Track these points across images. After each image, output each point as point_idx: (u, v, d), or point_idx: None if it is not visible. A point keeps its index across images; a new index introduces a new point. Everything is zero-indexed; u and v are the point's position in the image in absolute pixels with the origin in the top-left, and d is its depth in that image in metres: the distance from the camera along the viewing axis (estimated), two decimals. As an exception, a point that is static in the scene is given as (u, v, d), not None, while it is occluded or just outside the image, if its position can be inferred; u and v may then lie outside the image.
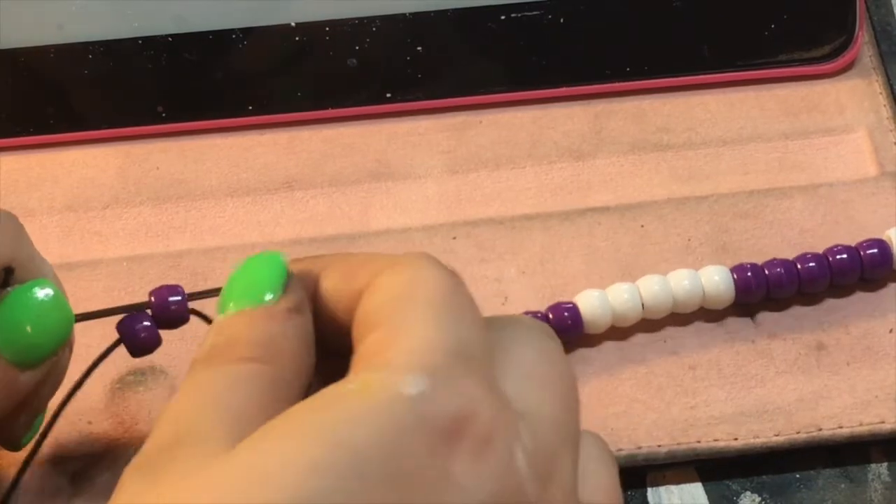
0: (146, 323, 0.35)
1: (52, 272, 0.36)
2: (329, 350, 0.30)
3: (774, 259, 0.43)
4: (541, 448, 0.27)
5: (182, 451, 0.26)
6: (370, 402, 0.25)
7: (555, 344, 0.30)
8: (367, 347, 0.27)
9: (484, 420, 0.25)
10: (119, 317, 0.35)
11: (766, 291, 0.42)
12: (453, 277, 0.28)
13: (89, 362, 0.36)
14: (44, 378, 0.34)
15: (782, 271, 0.42)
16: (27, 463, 0.35)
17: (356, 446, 0.24)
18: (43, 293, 0.33)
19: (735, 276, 0.42)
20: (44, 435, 0.35)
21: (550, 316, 0.41)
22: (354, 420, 0.25)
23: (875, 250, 0.43)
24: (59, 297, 0.34)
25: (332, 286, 0.30)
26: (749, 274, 0.42)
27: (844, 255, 0.42)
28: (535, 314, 0.42)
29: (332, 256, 0.31)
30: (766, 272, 0.42)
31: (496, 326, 0.29)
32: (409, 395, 0.25)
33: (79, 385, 0.35)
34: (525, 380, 0.28)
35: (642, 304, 0.42)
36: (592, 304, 0.41)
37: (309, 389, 0.29)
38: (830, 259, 0.42)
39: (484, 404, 0.26)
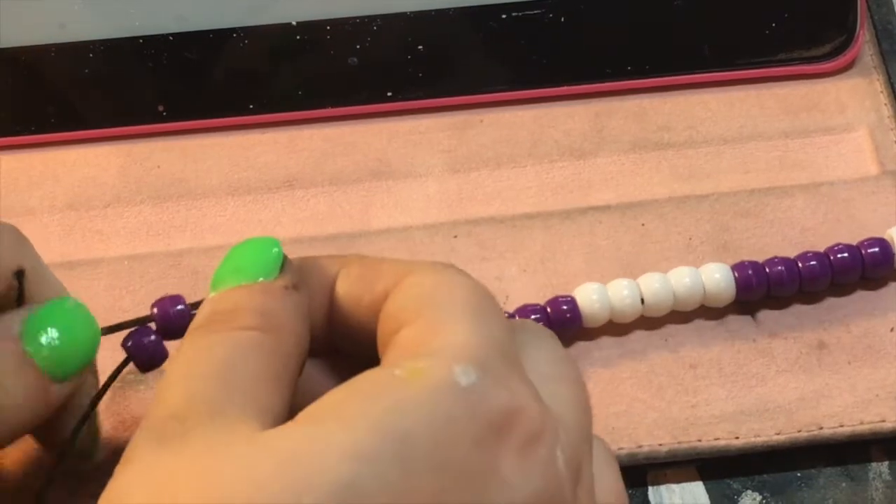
0: (152, 337, 0.34)
1: (60, 285, 0.36)
2: (339, 348, 0.30)
3: (775, 257, 0.43)
4: (572, 448, 0.27)
5: (198, 420, 0.25)
6: (421, 389, 0.25)
7: (562, 347, 0.30)
8: (404, 339, 0.27)
9: (532, 416, 0.25)
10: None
11: (767, 289, 0.42)
12: (481, 285, 0.29)
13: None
14: (73, 393, 0.34)
15: (783, 269, 0.42)
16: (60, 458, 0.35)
17: (403, 434, 0.24)
18: (74, 305, 0.33)
19: (736, 273, 0.42)
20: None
21: (549, 309, 0.41)
22: (403, 407, 0.24)
23: (876, 249, 0.43)
24: (88, 311, 0.34)
25: (352, 283, 0.30)
26: (750, 272, 0.42)
27: (846, 254, 0.42)
28: (533, 307, 0.42)
29: (348, 256, 0.31)
30: (767, 270, 0.42)
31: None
32: (462, 384, 0.25)
33: (94, 404, 0.35)
34: (549, 380, 0.28)
35: (642, 300, 0.42)
36: (590, 297, 0.41)
37: (315, 381, 0.29)
38: (832, 258, 0.42)
39: (531, 400, 0.26)
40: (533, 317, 0.41)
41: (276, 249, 0.30)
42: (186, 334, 0.29)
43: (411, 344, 0.27)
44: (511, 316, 0.41)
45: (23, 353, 0.32)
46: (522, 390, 0.26)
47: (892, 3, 0.50)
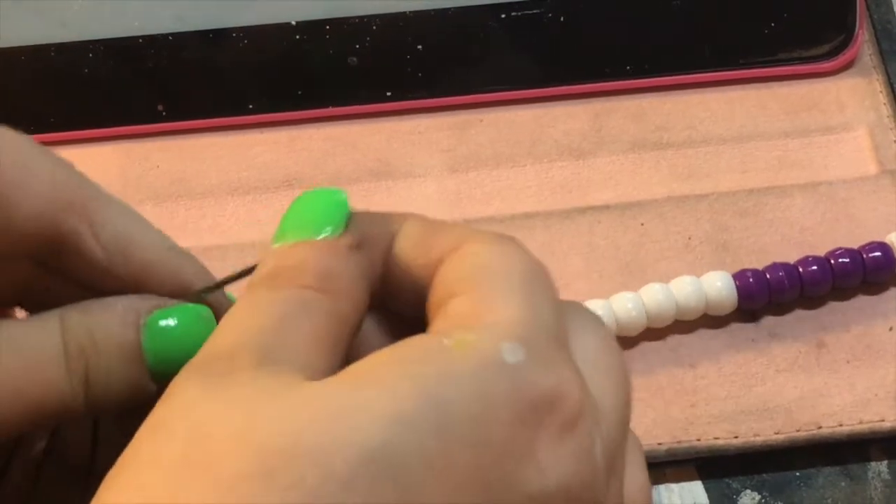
0: None
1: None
2: (389, 305, 0.30)
3: (776, 263, 0.42)
4: (609, 439, 0.26)
5: (247, 363, 0.25)
6: (467, 361, 0.24)
7: (611, 335, 0.29)
8: (456, 308, 0.27)
9: (573, 402, 0.25)
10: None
11: (769, 297, 0.42)
12: (538, 262, 0.28)
13: None
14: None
15: (784, 276, 0.42)
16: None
17: (445, 403, 0.24)
18: (208, 317, 0.31)
19: (738, 283, 0.42)
20: None
21: None
22: (448, 377, 0.24)
23: (878, 253, 0.43)
24: (214, 324, 0.31)
25: (411, 243, 0.29)
26: (751, 280, 0.42)
27: (847, 259, 0.42)
28: None
29: (408, 214, 0.30)
30: (768, 276, 0.42)
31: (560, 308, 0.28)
32: (508, 362, 0.24)
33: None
34: (593, 368, 0.27)
35: (646, 314, 0.41)
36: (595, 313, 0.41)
37: (362, 336, 0.28)
38: (832, 262, 0.42)
39: (574, 386, 0.25)
40: None
41: (343, 203, 0.29)
42: (248, 286, 0.28)
43: (462, 314, 0.26)
44: None
45: (139, 345, 0.30)
46: (567, 375, 0.25)
47: (891, 3, 0.50)
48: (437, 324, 0.27)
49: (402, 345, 0.25)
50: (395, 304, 0.30)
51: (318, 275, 0.27)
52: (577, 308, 0.29)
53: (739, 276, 0.42)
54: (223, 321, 0.27)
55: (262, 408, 0.24)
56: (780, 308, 0.43)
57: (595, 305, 0.41)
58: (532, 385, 0.25)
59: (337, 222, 0.29)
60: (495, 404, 0.24)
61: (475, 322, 0.26)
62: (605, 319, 0.41)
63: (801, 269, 0.42)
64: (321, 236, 0.28)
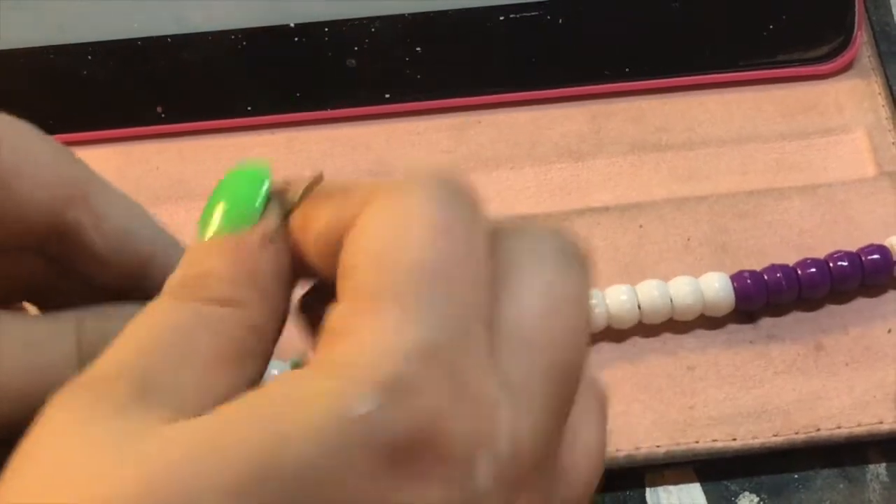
0: None
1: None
2: (310, 273, 0.27)
3: (774, 265, 0.42)
4: (525, 445, 0.23)
5: (124, 391, 0.23)
6: (314, 419, 0.22)
7: (573, 263, 0.25)
8: (332, 326, 0.24)
9: (443, 437, 0.22)
10: None
11: (767, 299, 0.42)
12: (454, 208, 0.24)
13: None
14: None
15: (782, 277, 0.42)
16: None
17: (288, 470, 0.21)
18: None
19: (735, 284, 0.42)
20: None
21: None
22: (292, 438, 0.22)
23: (876, 256, 0.42)
24: None
25: (325, 216, 0.25)
26: (749, 281, 0.42)
27: (845, 262, 0.42)
28: None
29: (327, 183, 0.26)
30: (766, 278, 0.42)
31: (503, 244, 0.25)
32: (360, 415, 0.22)
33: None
34: (524, 341, 0.24)
35: (639, 306, 0.42)
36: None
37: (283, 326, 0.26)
38: (831, 265, 0.42)
39: (446, 417, 0.22)
40: None
41: (259, 184, 0.26)
42: (161, 292, 0.26)
43: (332, 342, 0.23)
44: None
45: None
46: (440, 404, 0.22)
47: (889, 5, 0.50)
48: (319, 347, 0.24)
49: (263, 390, 0.23)
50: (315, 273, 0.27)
51: (223, 283, 0.25)
52: (525, 234, 0.25)
53: (737, 278, 0.42)
54: (122, 332, 0.25)
55: (116, 455, 0.22)
56: (779, 310, 0.43)
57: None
58: (386, 432, 0.22)
59: (252, 214, 0.26)
60: (344, 463, 0.22)
61: (338, 357, 0.23)
62: (597, 311, 0.41)
63: (799, 272, 0.42)
64: (233, 232, 0.26)
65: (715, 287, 0.42)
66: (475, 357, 0.23)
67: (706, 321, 0.42)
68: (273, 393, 0.23)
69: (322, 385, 0.22)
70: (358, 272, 0.23)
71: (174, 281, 0.26)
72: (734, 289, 0.42)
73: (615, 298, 0.42)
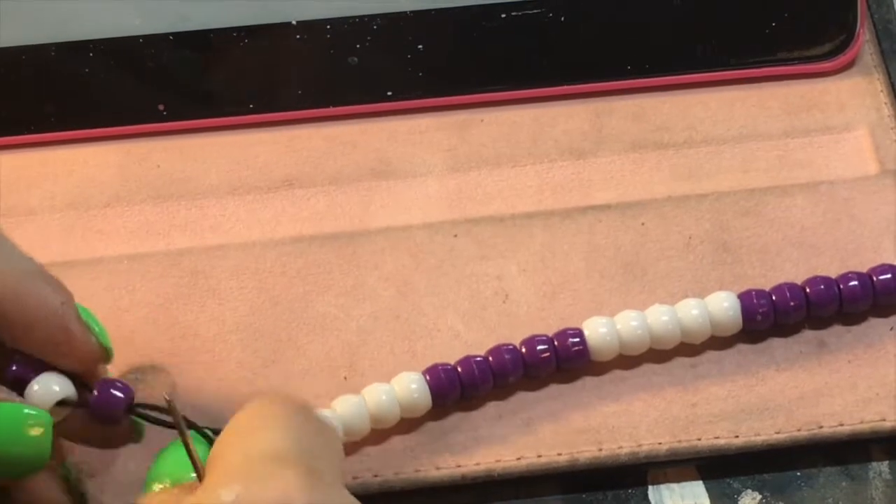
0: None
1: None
2: None
3: (784, 284, 0.42)
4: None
5: None
6: None
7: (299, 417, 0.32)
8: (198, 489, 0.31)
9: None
10: None
11: (774, 320, 0.42)
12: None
13: None
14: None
15: (791, 298, 0.41)
16: None
17: None
18: (31, 418, 0.35)
19: (744, 308, 0.41)
20: None
21: (556, 343, 0.41)
22: None
23: (888, 276, 0.42)
24: (42, 430, 0.35)
25: None
26: (757, 304, 0.41)
27: (856, 283, 0.42)
28: (539, 338, 0.41)
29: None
30: (774, 298, 0.41)
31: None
32: (227, 502, 0.28)
33: None
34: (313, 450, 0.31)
35: (650, 335, 0.41)
36: (600, 332, 0.41)
37: None
38: (841, 286, 0.42)
39: (301, 493, 0.29)
40: (540, 348, 0.41)
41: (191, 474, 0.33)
42: None
43: (197, 489, 0.31)
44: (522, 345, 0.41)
45: None
46: (293, 483, 0.29)
47: (891, 3, 0.50)
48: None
49: None
50: None
51: None
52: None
53: (745, 301, 0.41)
54: None
55: None
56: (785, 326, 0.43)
57: (598, 323, 0.41)
58: None
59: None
60: None
61: (198, 490, 0.30)
62: (609, 339, 0.41)
63: (807, 289, 0.42)
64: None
65: (724, 306, 0.41)
66: (315, 460, 0.31)
67: (715, 342, 0.42)
68: None
69: (194, 500, 0.30)
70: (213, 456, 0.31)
71: None
72: (742, 309, 0.41)
73: (626, 325, 0.41)
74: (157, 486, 0.34)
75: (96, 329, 0.37)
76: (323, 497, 0.29)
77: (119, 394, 0.37)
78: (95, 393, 0.37)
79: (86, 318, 0.37)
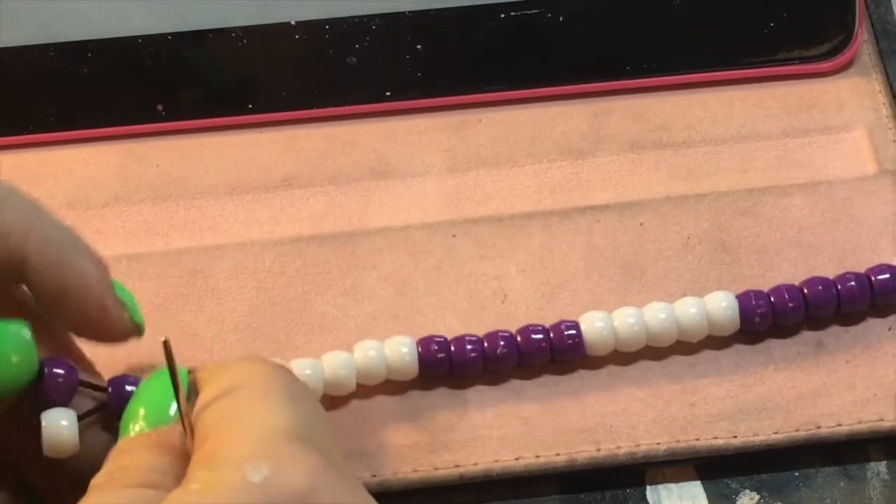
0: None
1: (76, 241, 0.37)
2: None
3: (781, 285, 0.42)
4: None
5: None
6: (218, 495, 0.27)
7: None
8: (207, 449, 0.29)
9: (326, 492, 0.28)
10: None
11: (773, 321, 0.42)
12: (282, 367, 0.32)
13: None
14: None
15: (789, 300, 0.41)
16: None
17: None
18: (16, 332, 0.35)
19: (742, 307, 0.41)
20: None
21: (551, 334, 0.41)
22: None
23: (887, 276, 0.42)
24: (27, 342, 0.35)
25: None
26: (754, 303, 0.41)
27: (854, 284, 0.42)
28: (535, 328, 0.41)
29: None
30: (772, 299, 0.41)
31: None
32: (255, 482, 0.28)
33: None
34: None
35: (647, 332, 0.41)
36: (596, 325, 0.41)
37: None
38: (839, 287, 0.42)
39: (324, 477, 0.29)
40: (535, 336, 0.41)
41: (175, 398, 0.32)
42: (90, 487, 0.31)
43: (210, 454, 0.29)
44: (517, 333, 0.41)
45: None
46: (318, 467, 0.29)
47: (890, 3, 0.50)
48: (192, 468, 0.30)
49: None
50: None
51: (144, 472, 0.31)
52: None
53: (744, 302, 0.41)
54: None
55: None
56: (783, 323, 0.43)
57: (595, 317, 0.41)
58: (282, 491, 0.28)
59: (166, 416, 0.32)
60: None
61: (220, 458, 0.29)
62: (605, 333, 0.41)
63: (805, 290, 0.42)
64: (159, 427, 0.32)
65: (722, 306, 0.41)
66: (329, 445, 0.31)
67: (712, 342, 0.42)
68: (170, 500, 0.28)
69: (214, 474, 0.28)
70: (218, 409, 0.31)
71: (103, 473, 0.31)
72: (740, 310, 0.41)
73: (623, 322, 0.41)
74: (134, 428, 0.33)
75: (129, 304, 0.37)
76: (341, 482, 0.29)
77: (132, 387, 0.37)
78: (110, 390, 0.37)
79: (119, 294, 0.37)
